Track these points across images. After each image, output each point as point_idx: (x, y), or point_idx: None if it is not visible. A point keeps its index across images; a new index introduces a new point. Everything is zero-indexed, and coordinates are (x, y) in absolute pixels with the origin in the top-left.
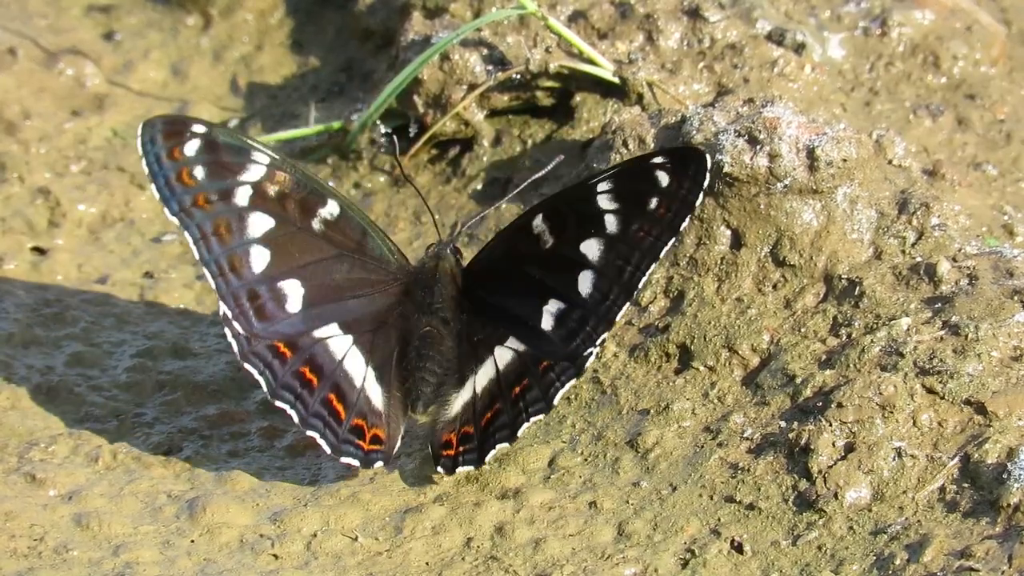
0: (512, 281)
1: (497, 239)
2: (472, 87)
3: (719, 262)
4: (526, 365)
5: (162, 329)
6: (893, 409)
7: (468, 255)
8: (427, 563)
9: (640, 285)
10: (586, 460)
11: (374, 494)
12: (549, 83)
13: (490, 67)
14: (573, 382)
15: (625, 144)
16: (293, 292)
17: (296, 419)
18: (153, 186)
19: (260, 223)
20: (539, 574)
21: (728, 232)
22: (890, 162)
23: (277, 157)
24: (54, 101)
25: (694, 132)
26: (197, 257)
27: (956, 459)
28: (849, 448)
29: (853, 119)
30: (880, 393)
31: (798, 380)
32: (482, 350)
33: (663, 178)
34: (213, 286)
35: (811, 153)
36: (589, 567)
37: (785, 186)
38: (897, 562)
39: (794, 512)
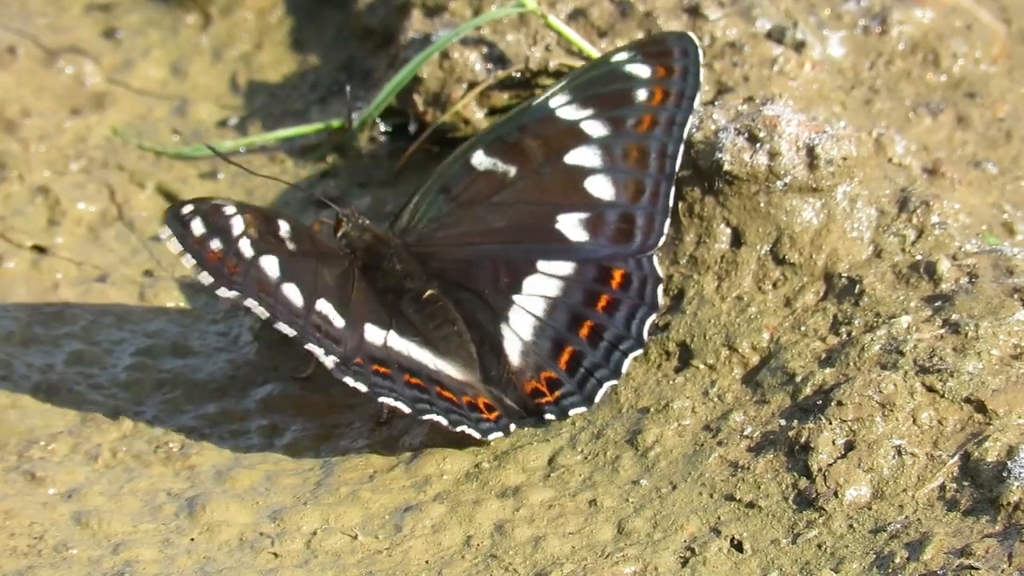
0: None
1: (428, 201)
2: (472, 85)
3: (719, 260)
4: (588, 294)
5: (162, 327)
6: (893, 407)
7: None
8: (427, 561)
9: (676, 168)
10: (586, 458)
11: (374, 492)
12: (549, 81)
13: (490, 65)
14: (653, 316)
15: None
16: (329, 311)
17: (447, 424)
18: (203, 274)
19: (270, 264)
20: (539, 572)
21: (728, 230)
22: (890, 160)
23: (232, 201)
24: (54, 99)
25: (694, 130)
26: (278, 326)
27: (956, 457)
28: (849, 446)
29: (853, 117)
30: (880, 391)
31: (798, 378)
32: (498, 298)
33: (640, 70)
34: (298, 340)
35: (811, 151)
36: (589, 565)
37: (785, 184)
38: (897, 560)
39: (794, 510)
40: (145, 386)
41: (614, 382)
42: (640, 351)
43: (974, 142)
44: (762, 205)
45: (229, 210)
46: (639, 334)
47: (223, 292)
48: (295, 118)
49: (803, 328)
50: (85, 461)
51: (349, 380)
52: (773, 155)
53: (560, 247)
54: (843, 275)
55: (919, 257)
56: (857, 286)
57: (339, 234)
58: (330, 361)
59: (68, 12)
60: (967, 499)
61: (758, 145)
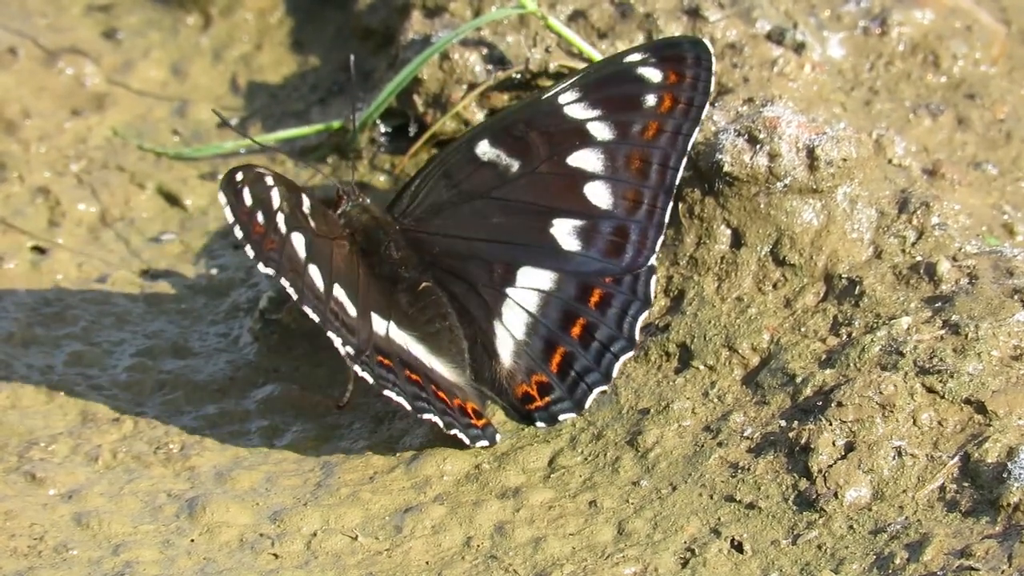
0: (488, 219)
1: (429, 186)
2: (472, 86)
3: (719, 261)
4: (570, 300)
5: (162, 328)
6: (893, 408)
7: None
8: (427, 562)
9: (677, 182)
10: (586, 459)
11: (374, 493)
12: (548, 83)
13: (490, 66)
14: (645, 313)
15: None
16: (343, 298)
17: (442, 426)
18: (247, 247)
19: (299, 242)
20: (539, 573)
21: (728, 231)
22: (890, 161)
23: (268, 169)
24: (54, 100)
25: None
26: (305, 309)
27: (956, 458)
28: (849, 447)
29: (853, 118)
30: (880, 392)
31: (798, 379)
32: (491, 293)
33: (652, 74)
34: (321, 326)
35: (811, 152)
36: (589, 566)
37: (785, 185)
38: (897, 561)
39: (794, 511)
40: (145, 387)
41: (604, 387)
42: (631, 353)
43: (974, 143)
44: (762, 206)
45: (268, 180)
46: (631, 334)
47: (262, 268)
48: (295, 119)
49: (803, 329)
50: (85, 462)
51: (358, 370)
52: (773, 156)
53: (552, 254)
54: (843, 276)
55: (919, 258)
56: (857, 287)
57: (338, 212)
58: (344, 351)
59: (68, 12)
60: (967, 500)
61: (758, 146)
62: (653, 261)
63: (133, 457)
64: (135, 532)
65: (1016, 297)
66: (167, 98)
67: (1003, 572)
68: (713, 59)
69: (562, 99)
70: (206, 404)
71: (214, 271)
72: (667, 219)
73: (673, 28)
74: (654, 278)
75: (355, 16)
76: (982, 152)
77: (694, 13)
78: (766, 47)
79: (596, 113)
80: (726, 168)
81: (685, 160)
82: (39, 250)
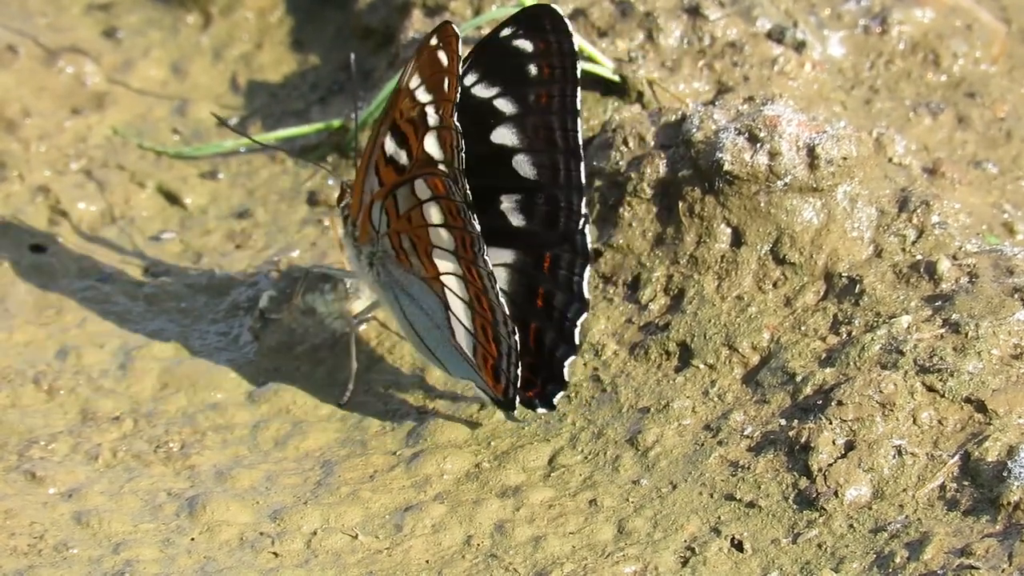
0: None
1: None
2: None
3: (719, 260)
4: (528, 271)
5: (162, 327)
6: (893, 407)
7: None
8: (427, 561)
9: (581, 142)
10: (586, 458)
11: (374, 492)
12: None
13: None
14: (589, 269)
15: (625, 142)
16: None
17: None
18: None
19: None
20: (539, 572)
21: (728, 230)
22: (890, 160)
23: None
24: (54, 99)
25: (694, 130)
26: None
27: (956, 457)
28: (849, 446)
29: (853, 117)
30: (880, 391)
31: (798, 378)
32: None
33: (525, 45)
34: None
35: (811, 151)
36: (589, 565)
37: (785, 184)
38: (897, 560)
39: (794, 510)
40: (145, 386)
41: (574, 356)
42: (587, 315)
43: (974, 142)
44: (762, 205)
45: None
46: (580, 293)
47: None
48: (295, 118)
49: (803, 328)
50: (85, 461)
51: None
52: (773, 155)
53: (506, 233)
54: (843, 275)
55: (919, 257)
56: (857, 286)
57: (342, 204)
58: None
59: (68, 12)
60: (967, 499)
61: (758, 145)
62: (583, 223)
63: (133, 456)
64: (135, 531)
65: (1016, 296)
66: (167, 97)
67: (1003, 571)
68: (566, 21)
69: (467, 81)
70: (206, 402)
71: (214, 270)
72: (584, 181)
73: (673, 26)
74: (588, 230)
75: (355, 15)
76: (982, 151)
77: (694, 11)
78: (766, 46)
79: (497, 90)
80: (726, 167)
81: (580, 120)
82: (39, 249)
